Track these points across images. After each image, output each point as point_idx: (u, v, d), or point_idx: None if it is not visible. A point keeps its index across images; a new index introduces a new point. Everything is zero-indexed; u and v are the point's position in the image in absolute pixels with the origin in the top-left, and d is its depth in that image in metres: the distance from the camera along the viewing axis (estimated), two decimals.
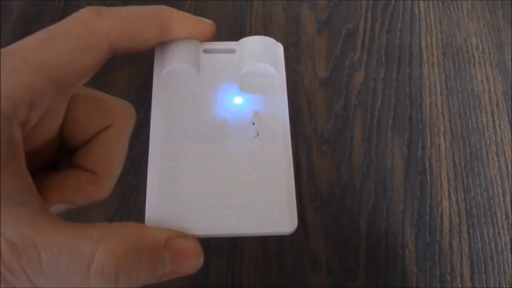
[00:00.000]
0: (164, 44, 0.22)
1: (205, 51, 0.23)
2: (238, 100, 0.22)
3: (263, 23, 0.48)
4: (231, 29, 0.47)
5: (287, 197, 0.20)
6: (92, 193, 0.22)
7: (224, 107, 0.22)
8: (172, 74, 0.22)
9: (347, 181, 0.40)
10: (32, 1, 0.48)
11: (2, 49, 0.18)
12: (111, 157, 0.23)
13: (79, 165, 0.23)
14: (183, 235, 0.19)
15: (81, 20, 0.20)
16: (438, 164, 0.41)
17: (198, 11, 0.48)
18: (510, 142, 0.42)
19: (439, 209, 0.40)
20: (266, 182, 0.21)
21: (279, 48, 0.24)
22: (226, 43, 0.23)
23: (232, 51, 0.23)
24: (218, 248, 0.38)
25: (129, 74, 0.44)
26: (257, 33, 0.47)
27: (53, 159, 0.24)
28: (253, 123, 0.22)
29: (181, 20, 0.22)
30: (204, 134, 0.21)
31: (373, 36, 0.48)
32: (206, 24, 0.22)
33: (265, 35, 0.23)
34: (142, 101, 0.43)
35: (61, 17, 0.48)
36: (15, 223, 0.16)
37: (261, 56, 0.23)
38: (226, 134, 0.21)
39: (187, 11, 0.48)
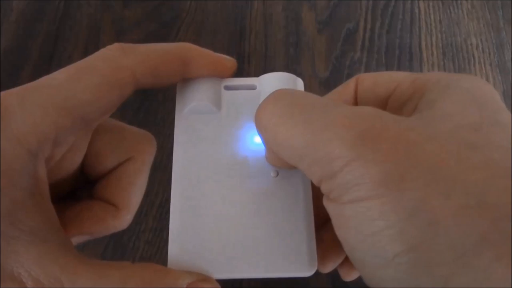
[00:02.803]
0: (185, 81, 0.23)
1: (226, 87, 0.23)
2: (258, 138, 0.22)
3: (263, 23, 0.48)
4: (231, 29, 0.47)
5: (306, 239, 0.20)
6: (112, 226, 0.22)
7: (245, 145, 0.22)
8: (193, 112, 0.22)
9: None
10: (32, 1, 0.48)
11: (29, 84, 0.19)
12: (131, 190, 0.23)
13: (99, 196, 0.23)
14: (204, 279, 0.19)
15: (107, 57, 0.20)
16: None
17: (198, 11, 0.48)
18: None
19: None
20: (286, 224, 0.21)
21: (300, 83, 0.24)
22: (246, 79, 0.23)
23: (253, 87, 0.23)
24: None
25: None
26: (257, 33, 0.47)
27: (73, 188, 0.24)
28: None
29: (202, 58, 0.22)
30: (225, 174, 0.21)
31: (373, 36, 0.48)
32: (227, 61, 0.23)
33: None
34: (140, 104, 0.43)
35: (61, 17, 0.48)
36: (41, 261, 0.17)
37: None
38: (246, 173, 0.21)
39: (187, 11, 0.48)
